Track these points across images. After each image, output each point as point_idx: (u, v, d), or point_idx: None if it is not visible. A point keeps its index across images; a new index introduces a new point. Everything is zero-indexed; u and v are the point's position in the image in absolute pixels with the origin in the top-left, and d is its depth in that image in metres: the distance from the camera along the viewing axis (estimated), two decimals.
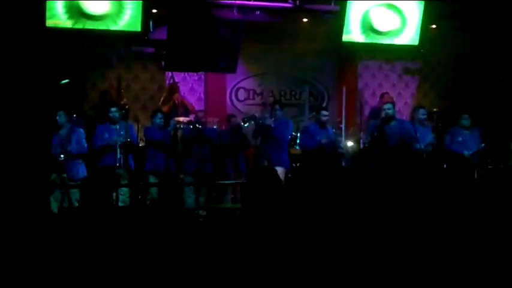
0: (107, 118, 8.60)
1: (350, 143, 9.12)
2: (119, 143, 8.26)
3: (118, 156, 8.22)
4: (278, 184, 3.86)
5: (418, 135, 8.45)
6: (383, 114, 8.44)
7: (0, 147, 5.79)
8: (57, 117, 8.13)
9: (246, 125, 8.87)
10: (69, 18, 7.78)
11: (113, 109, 8.51)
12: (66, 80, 8.99)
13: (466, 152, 8.80)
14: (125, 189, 8.41)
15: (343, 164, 8.75)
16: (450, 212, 3.94)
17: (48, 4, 7.61)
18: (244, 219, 3.76)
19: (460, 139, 8.96)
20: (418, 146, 8.40)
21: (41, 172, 5.78)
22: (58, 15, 7.69)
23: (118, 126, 8.42)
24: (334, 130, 9.08)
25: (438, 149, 9.00)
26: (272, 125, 8.67)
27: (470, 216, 3.92)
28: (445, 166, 8.87)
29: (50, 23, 7.68)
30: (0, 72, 5.93)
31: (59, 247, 4.48)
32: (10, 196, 5.10)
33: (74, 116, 8.65)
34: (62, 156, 7.99)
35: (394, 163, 5.66)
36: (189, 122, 8.96)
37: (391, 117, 8.42)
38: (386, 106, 8.54)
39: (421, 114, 8.92)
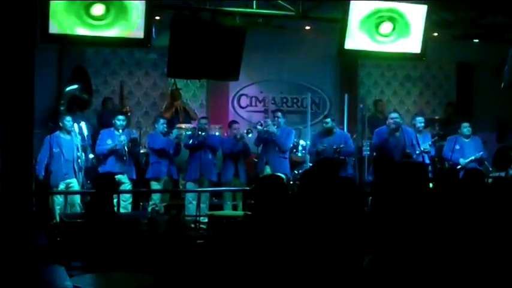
0: (111, 124, 8.65)
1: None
2: (126, 148, 8.32)
3: (125, 159, 8.27)
4: (284, 192, 3.87)
5: (414, 143, 8.46)
6: (391, 124, 8.41)
7: None
8: (66, 123, 8.21)
9: (249, 135, 8.91)
10: (72, 25, 7.77)
11: (121, 117, 8.56)
12: (75, 86, 9.04)
13: (461, 160, 8.79)
14: (126, 196, 8.44)
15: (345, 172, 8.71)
16: (444, 223, 3.94)
17: (52, 11, 7.61)
18: (250, 226, 3.76)
19: (457, 147, 8.95)
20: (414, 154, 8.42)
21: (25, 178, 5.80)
22: (61, 22, 7.69)
23: (123, 134, 8.46)
24: (347, 134, 9.06)
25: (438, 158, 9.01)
26: (276, 133, 8.70)
27: (464, 228, 3.92)
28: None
29: (53, 29, 7.68)
30: None
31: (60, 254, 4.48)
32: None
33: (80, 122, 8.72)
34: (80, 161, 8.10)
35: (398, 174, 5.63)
36: (192, 130, 8.99)
37: (398, 127, 8.42)
38: (394, 115, 8.52)
39: (419, 122, 8.94)
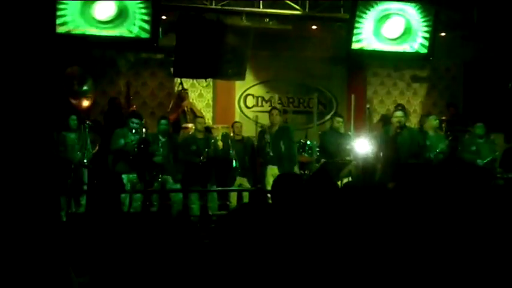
0: (118, 124, 8.63)
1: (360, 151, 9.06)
2: (136, 150, 8.30)
3: (131, 158, 8.25)
4: (301, 190, 3.85)
5: (427, 143, 8.39)
6: (396, 122, 8.32)
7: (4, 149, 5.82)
8: (70, 121, 8.22)
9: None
10: (80, 24, 7.80)
11: (135, 120, 8.47)
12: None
13: (479, 161, 8.68)
14: (137, 196, 8.41)
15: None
16: (459, 223, 3.89)
17: (59, 10, 7.63)
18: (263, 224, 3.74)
19: (473, 148, 8.85)
20: (427, 155, 8.34)
21: (46, 175, 5.79)
22: (69, 22, 7.71)
23: (136, 135, 8.43)
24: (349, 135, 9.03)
25: (451, 159, 8.94)
26: None
27: (480, 227, 3.87)
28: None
29: (60, 29, 7.70)
30: (7, 75, 5.98)
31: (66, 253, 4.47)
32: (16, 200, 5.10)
33: (87, 122, 8.72)
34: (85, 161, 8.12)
35: (406, 174, 5.61)
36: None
37: (403, 126, 8.34)
38: (398, 114, 8.43)
39: (433, 120, 8.82)
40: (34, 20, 6.05)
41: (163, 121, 8.74)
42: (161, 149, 8.50)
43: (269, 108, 11.12)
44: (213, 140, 8.86)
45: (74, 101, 9.38)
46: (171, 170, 8.58)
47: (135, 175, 8.34)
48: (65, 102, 9.20)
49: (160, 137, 8.61)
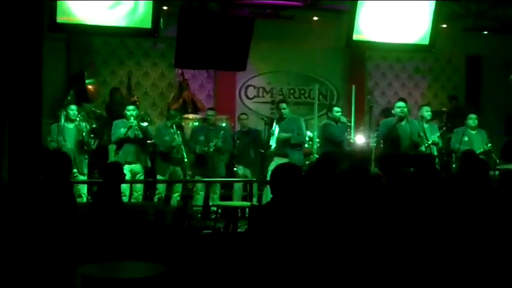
0: (120, 115, 8.65)
1: (360, 142, 9.06)
2: (140, 131, 8.32)
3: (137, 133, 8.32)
4: (301, 181, 3.88)
5: (421, 134, 8.39)
6: (398, 113, 8.30)
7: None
8: (70, 111, 8.23)
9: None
10: (80, 14, 7.78)
11: (131, 107, 8.54)
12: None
13: None
14: (139, 187, 8.43)
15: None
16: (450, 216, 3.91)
17: (60, 1, 7.61)
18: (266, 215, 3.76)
19: (466, 139, 8.84)
20: (423, 147, 8.35)
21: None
22: (69, 11, 7.69)
23: (134, 124, 8.45)
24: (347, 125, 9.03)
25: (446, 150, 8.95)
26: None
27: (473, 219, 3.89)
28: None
29: (61, 18, 7.68)
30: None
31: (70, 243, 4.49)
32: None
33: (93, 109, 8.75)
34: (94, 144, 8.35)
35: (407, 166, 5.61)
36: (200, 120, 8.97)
37: (404, 117, 8.32)
38: (400, 104, 8.40)
39: (425, 111, 8.80)
40: (32, 10, 6.03)
41: (179, 115, 8.96)
42: (176, 138, 8.58)
43: (270, 100, 11.18)
44: (222, 132, 8.87)
45: (90, 87, 9.53)
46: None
47: (138, 165, 8.36)
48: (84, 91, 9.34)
49: (171, 127, 8.66)
